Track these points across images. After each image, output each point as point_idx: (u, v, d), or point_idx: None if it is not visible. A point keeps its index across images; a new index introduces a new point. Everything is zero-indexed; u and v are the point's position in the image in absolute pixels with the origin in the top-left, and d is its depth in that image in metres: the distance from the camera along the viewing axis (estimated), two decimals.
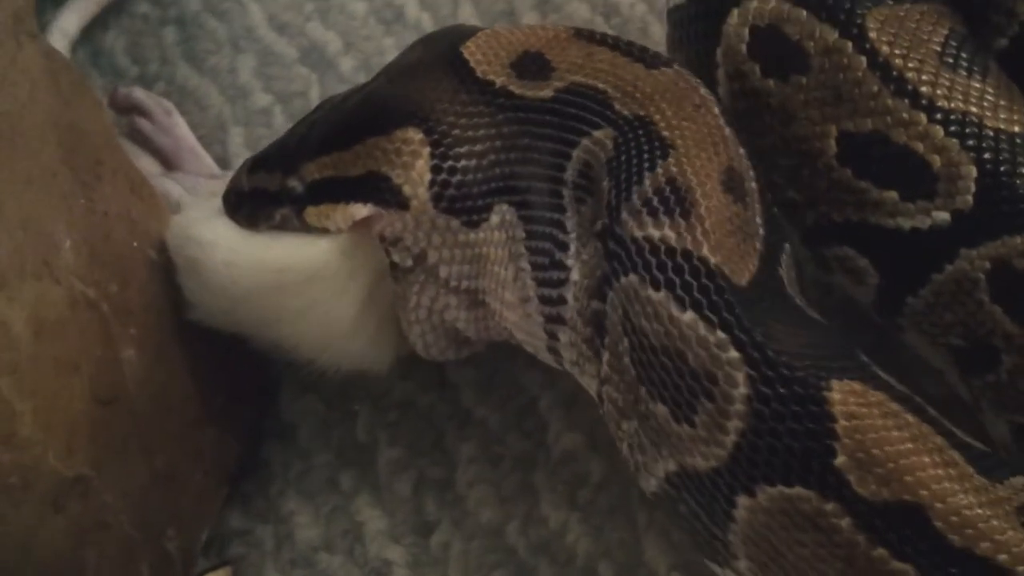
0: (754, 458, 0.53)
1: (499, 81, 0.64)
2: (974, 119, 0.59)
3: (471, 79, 0.65)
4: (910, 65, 0.60)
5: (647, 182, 0.58)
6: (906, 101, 0.60)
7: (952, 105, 0.59)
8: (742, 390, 0.53)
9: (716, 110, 0.62)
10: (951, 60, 0.60)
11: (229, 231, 0.72)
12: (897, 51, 0.60)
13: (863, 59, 0.60)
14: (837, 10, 0.61)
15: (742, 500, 0.54)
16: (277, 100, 0.92)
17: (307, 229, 0.69)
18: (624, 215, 0.58)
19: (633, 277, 0.57)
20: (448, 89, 0.65)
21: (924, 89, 0.59)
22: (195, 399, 0.74)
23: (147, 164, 0.85)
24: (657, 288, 0.56)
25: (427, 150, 0.64)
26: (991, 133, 0.59)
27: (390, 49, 0.93)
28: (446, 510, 0.75)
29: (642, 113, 0.61)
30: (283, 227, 0.70)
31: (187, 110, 0.92)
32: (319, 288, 0.69)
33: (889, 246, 0.62)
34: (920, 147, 0.59)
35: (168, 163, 0.87)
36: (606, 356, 0.59)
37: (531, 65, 0.65)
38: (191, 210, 0.76)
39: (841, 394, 0.52)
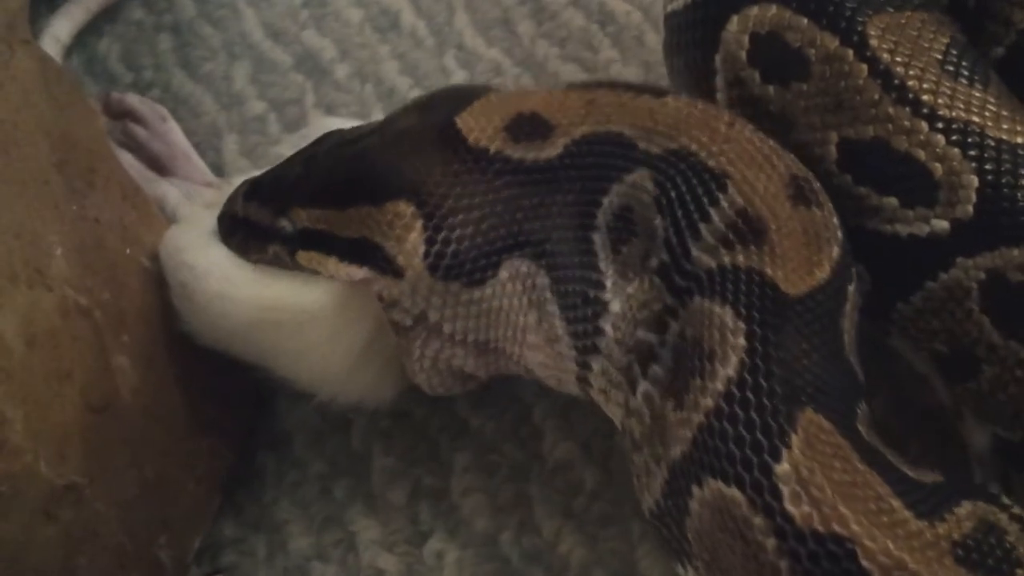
0: (709, 447, 0.53)
1: (493, 147, 0.63)
2: (976, 129, 0.59)
3: (464, 148, 0.64)
4: (911, 73, 0.60)
5: (715, 217, 0.59)
6: (907, 109, 0.60)
7: (954, 114, 0.59)
8: (728, 372, 0.54)
9: (744, 123, 0.62)
10: (952, 69, 0.60)
11: (224, 260, 0.71)
12: (898, 59, 0.60)
13: (864, 67, 0.60)
14: (838, 18, 0.61)
15: (696, 491, 0.54)
16: (272, 107, 0.92)
17: (300, 268, 0.69)
18: (695, 252, 0.58)
19: (698, 298, 0.57)
20: (440, 161, 0.64)
21: (926, 97, 0.59)
22: (188, 407, 0.74)
23: (139, 170, 0.85)
24: (712, 299, 0.57)
25: (419, 223, 0.63)
26: (993, 143, 0.59)
27: (385, 57, 0.93)
28: (440, 519, 0.74)
29: (674, 147, 0.61)
30: (276, 263, 0.70)
31: (182, 117, 0.92)
32: (316, 332, 0.69)
33: (885, 252, 0.62)
34: (922, 155, 0.59)
35: (162, 169, 0.87)
36: (643, 387, 0.59)
37: (526, 127, 0.64)
38: (185, 229, 0.75)
39: (807, 423, 0.52)
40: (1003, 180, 0.58)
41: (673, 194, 0.60)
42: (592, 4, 0.92)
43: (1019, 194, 0.58)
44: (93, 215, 0.72)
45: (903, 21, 0.61)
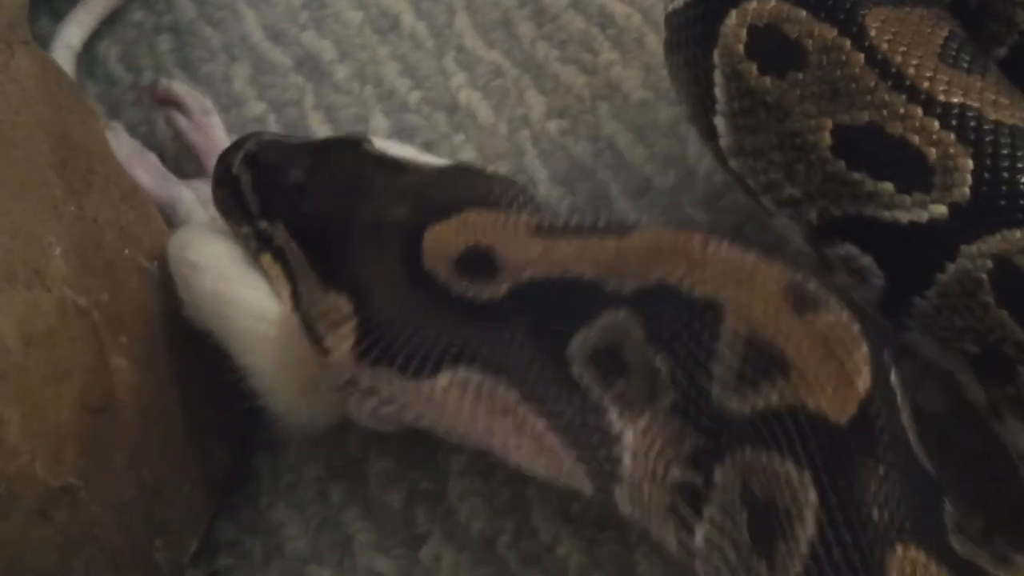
0: None
1: (442, 276, 0.63)
2: (972, 112, 0.59)
3: (417, 268, 0.64)
4: (909, 61, 0.60)
5: (723, 351, 0.56)
6: (903, 95, 0.59)
7: (950, 99, 0.59)
8: (810, 531, 0.52)
9: (719, 240, 0.60)
10: (950, 58, 0.60)
11: (221, 257, 0.71)
12: (896, 48, 0.60)
13: (861, 55, 0.60)
14: (837, 10, 0.61)
15: None
16: (271, 109, 0.92)
17: (256, 263, 0.70)
18: (716, 392, 0.56)
19: (750, 450, 0.55)
20: (394, 273, 0.64)
21: (922, 84, 0.59)
22: (185, 409, 0.74)
23: (159, 170, 0.85)
24: (768, 450, 0.54)
25: (354, 322, 0.64)
26: (989, 126, 0.58)
27: (385, 58, 0.93)
28: (437, 522, 0.74)
29: (649, 284, 0.59)
30: (243, 242, 0.70)
31: None
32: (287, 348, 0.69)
33: (889, 242, 0.62)
34: (916, 139, 0.59)
35: (197, 162, 0.87)
36: (704, 529, 0.58)
37: (475, 262, 0.63)
38: (192, 226, 0.75)
39: (900, 563, 0.51)
40: (999, 162, 0.58)
41: (666, 334, 0.58)
42: (592, 6, 0.92)
43: (1016, 176, 0.58)
44: (92, 216, 0.72)
45: (902, 15, 0.62)
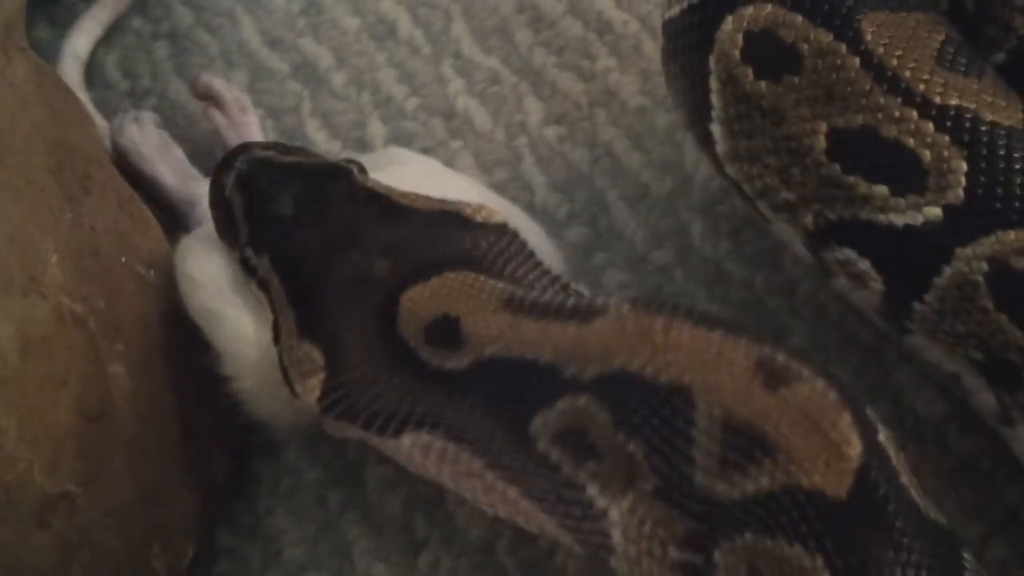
0: None
1: (412, 342, 0.63)
2: (966, 114, 0.59)
3: (389, 332, 0.64)
4: (905, 64, 0.60)
5: (700, 437, 0.56)
6: (898, 98, 0.59)
7: (946, 101, 0.59)
8: None
9: (682, 322, 0.59)
10: (948, 62, 0.60)
11: (219, 273, 0.71)
12: (892, 52, 0.60)
13: (857, 59, 0.60)
14: (833, 15, 0.61)
15: None
16: (269, 115, 0.92)
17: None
18: (699, 477, 0.56)
19: (750, 536, 0.55)
20: (370, 333, 0.64)
21: (918, 87, 0.59)
22: (182, 415, 0.74)
23: (184, 165, 0.85)
24: (773, 535, 0.54)
25: (322, 375, 0.65)
26: (983, 128, 0.58)
27: (382, 65, 0.93)
28: (436, 528, 0.74)
29: (614, 370, 0.58)
30: (236, 266, 0.71)
31: (178, 124, 0.92)
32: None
33: (886, 245, 0.62)
34: (911, 142, 0.59)
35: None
36: None
37: (442, 331, 0.63)
38: (198, 236, 0.75)
39: None
40: (993, 164, 0.58)
41: (635, 420, 0.57)
42: (590, 13, 0.92)
43: (1010, 177, 0.57)
44: (88, 223, 0.72)
45: (898, 20, 0.62)
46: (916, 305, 0.62)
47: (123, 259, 0.73)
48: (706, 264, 0.80)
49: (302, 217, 0.69)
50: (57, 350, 0.67)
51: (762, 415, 0.55)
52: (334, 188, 0.70)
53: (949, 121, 0.59)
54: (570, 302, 0.62)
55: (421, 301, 0.64)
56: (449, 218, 0.69)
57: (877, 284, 0.63)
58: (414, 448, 0.63)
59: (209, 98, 0.89)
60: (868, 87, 0.60)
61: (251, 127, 0.89)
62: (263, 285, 0.69)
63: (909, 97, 0.59)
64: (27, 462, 0.64)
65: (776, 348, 0.58)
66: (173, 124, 0.92)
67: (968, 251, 0.58)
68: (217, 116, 0.89)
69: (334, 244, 0.68)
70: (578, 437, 0.59)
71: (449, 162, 0.88)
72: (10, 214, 0.67)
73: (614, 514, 0.59)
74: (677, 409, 0.56)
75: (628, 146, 0.86)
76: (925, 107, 0.59)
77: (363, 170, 0.72)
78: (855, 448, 0.54)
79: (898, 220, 0.60)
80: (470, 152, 0.88)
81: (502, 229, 0.69)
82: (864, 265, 0.63)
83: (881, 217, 0.61)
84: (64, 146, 0.73)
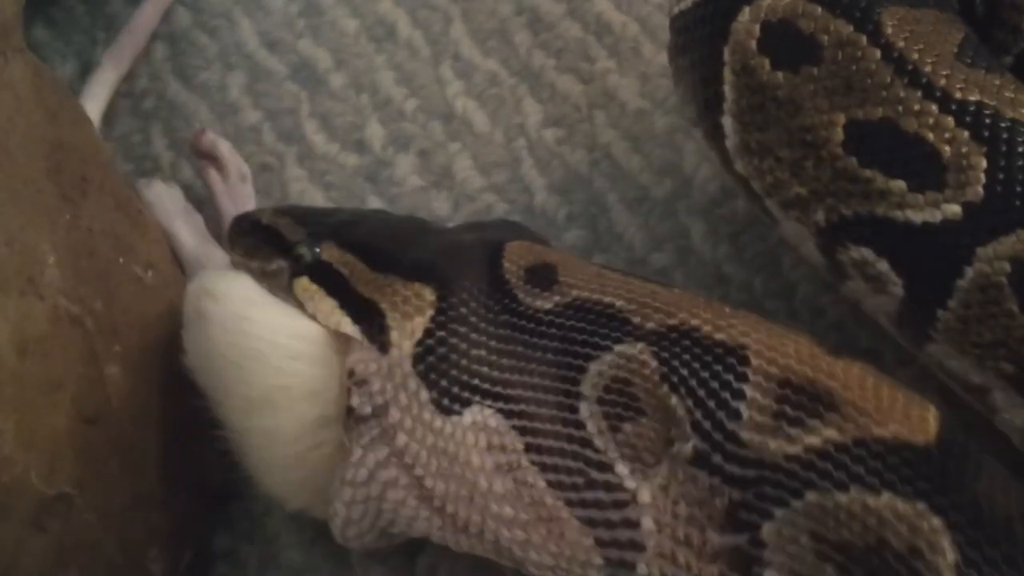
0: None
1: (512, 281, 0.65)
2: (987, 110, 0.58)
3: (495, 273, 0.65)
4: (925, 59, 0.59)
5: (754, 394, 0.55)
6: (919, 92, 0.59)
7: (965, 96, 0.58)
8: (950, 557, 0.50)
9: (748, 311, 0.60)
10: (968, 59, 0.60)
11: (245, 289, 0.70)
12: (913, 46, 0.59)
13: (877, 51, 0.60)
14: (853, 7, 0.61)
15: None
16: (267, 117, 0.92)
17: (288, 295, 0.68)
18: (747, 436, 0.54)
19: (812, 496, 0.52)
20: (477, 275, 0.65)
21: (939, 81, 0.58)
22: (180, 418, 0.73)
23: (194, 229, 0.84)
24: (845, 490, 0.52)
25: (430, 313, 0.64)
26: (1004, 124, 0.57)
27: (381, 67, 0.93)
28: None
29: (674, 323, 0.59)
30: (271, 279, 0.69)
31: (176, 126, 0.92)
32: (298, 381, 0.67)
33: (902, 244, 0.60)
34: (930, 136, 0.58)
35: (220, 226, 0.85)
36: None
37: (540, 273, 0.65)
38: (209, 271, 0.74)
39: None
40: (1014, 161, 0.57)
41: (685, 372, 0.57)
42: (589, 15, 0.92)
43: None
44: (86, 224, 0.71)
45: (918, 15, 0.61)
46: (940, 312, 0.60)
47: (121, 260, 0.72)
48: (705, 267, 0.80)
49: (366, 219, 0.72)
50: (54, 351, 0.66)
51: (827, 374, 0.54)
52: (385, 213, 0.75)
53: (969, 116, 0.58)
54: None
55: (522, 251, 0.67)
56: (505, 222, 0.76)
57: (897, 288, 0.62)
58: (470, 430, 0.62)
59: (209, 158, 0.87)
60: (888, 79, 0.59)
61: (246, 198, 0.87)
62: (321, 272, 0.67)
63: (930, 91, 0.58)
64: (24, 465, 0.63)
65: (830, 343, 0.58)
66: (171, 126, 0.92)
67: (989, 251, 0.57)
68: (215, 179, 0.87)
69: (412, 232, 0.71)
70: (623, 390, 0.59)
71: (447, 165, 0.88)
72: (7, 215, 0.66)
73: (644, 495, 0.58)
74: (730, 365, 0.56)
75: (627, 148, 0.86)
76: (946, 101, 0.58)
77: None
78: (932, 406, 0.54)
79: (916, 217, 0.59)
80: (469, 154, 0.88)
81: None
82: (883, 267, 0.62)
83: (898, 214, 0.60)
84: (62, 148, 0.72)
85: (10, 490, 0.63)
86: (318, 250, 0.68)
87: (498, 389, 0.62)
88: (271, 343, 0.66)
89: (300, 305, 0.67)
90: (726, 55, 0.65)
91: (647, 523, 0.58)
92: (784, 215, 0.65)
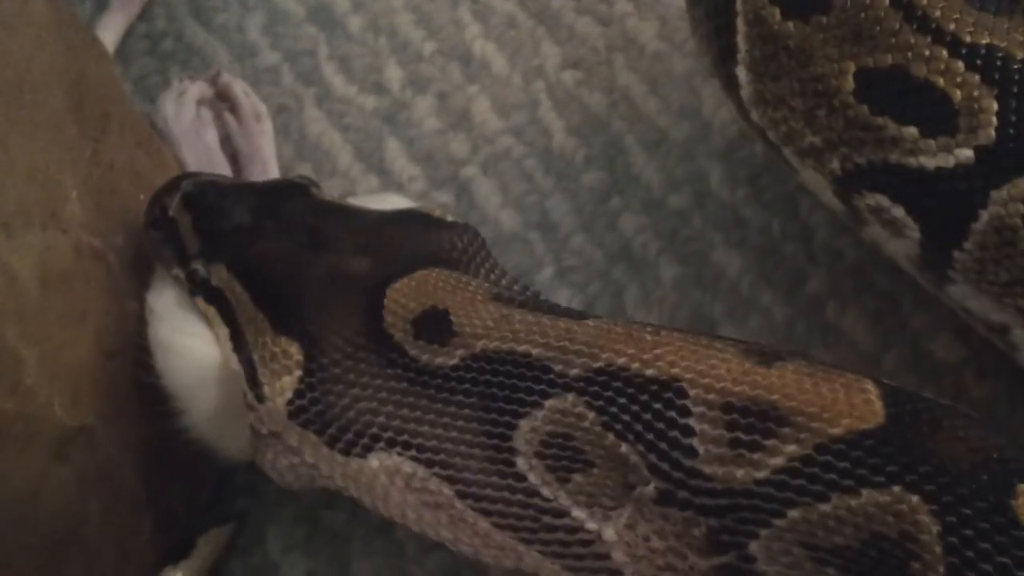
0: None
1: (397, 336, 0.61)
2: (997, 52, 0.57)
3: (375, 325, 0.62)
4: (934, 3, 0.59)
5: (701, 425, 0.53)
6: (928, 37, 0.58)
7: (975, 40, 0.58)
8: (934, 529, 0.50)
9: (669, 329, 0.58)
10: (978, 3, 0.59)
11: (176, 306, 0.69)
12: None
13: None
14: None
15: None
16: (285, 58, 0.92)
17: (190, 302, 0.68)
18: (709, 470, 0.53)
19: (795, 512, 0.52)
20: (351, 326, 0.62)
21: (948, 25, 0.58)
22: None
23: (200, 160, 0.84)
24: (826, 500, 0.51)
25: (298, 373, 0.62)
26: (1016, 66, 0.57)
27: (399, 9, 0.92)
28: None
29: (599, 365, 0.56)
30: (179, 285, 0.69)
31: (194, 67, 0.92)
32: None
33: (917, 190, 0.60)
34: (941, 81, 0.58)
35: (238, 167, 0.85)
36: None
37: (431, 324, 0.60)
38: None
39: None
40: None
41: (626, 417, 0.55)
42: None
43: None
44: (107, 160, 0.72)
45: None
46: (956, 254, 0.61)
47: (141, 196, 0.73)
48: (723, 209, 0.80)
49: (261, 226, 0.68)
50: (77, 285, 0.67)
51: (764, 388, 0.53)
52: (292, 200, 0.70)
53: (980, 60, 0.57)
54: (559, 306, 0.61)
55: (408, 293, 0.62)
56: (418, 218, 0.68)
57: (914, 232, 0.62)
58: (380, 472, 0.60)
59: (225, 100, 0.87)
60: (897, 26, 0.59)
61: (262, 136, 0.86)
62: (214, 295, 0.67)
63: (939, 36, 0.58)
64: (47, 396, 0.64)
65: (757, 342, 0.57)
66: (190, 66, 0.93)
67: (1003, 193, 0.57)
68: (230, 121, 0.87)
69: (302, 248, 0.66)
70: (564, 444, 0.56)
71: (466, 107, 0.87)
72: (30, 150, 0.66)
73: (609, 535, 0.56)
74: (669, 401, 0.54)
75: (646, 91, 0.85)
76: (955, 46, 0.58)
77: (317, 185, 0.72)
78: (869, 382, 0.54)
79: (929, 163, 0.59)
80: (487, 97, 0.88)
81: (472, 231, 0.68)
82: (898, 212, 0.62)
83: (911, 160, 0.59)
84: (82, 84, 0.72)
85: (34, 420, 0.63)
86: (209, 272, 0.67)
87: (405, 438, 0.59)
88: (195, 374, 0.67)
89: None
90: (738, 4, 0.64)
91: (619, 556, 0.57)
92: (801, 164, 0.65)
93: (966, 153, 0.58)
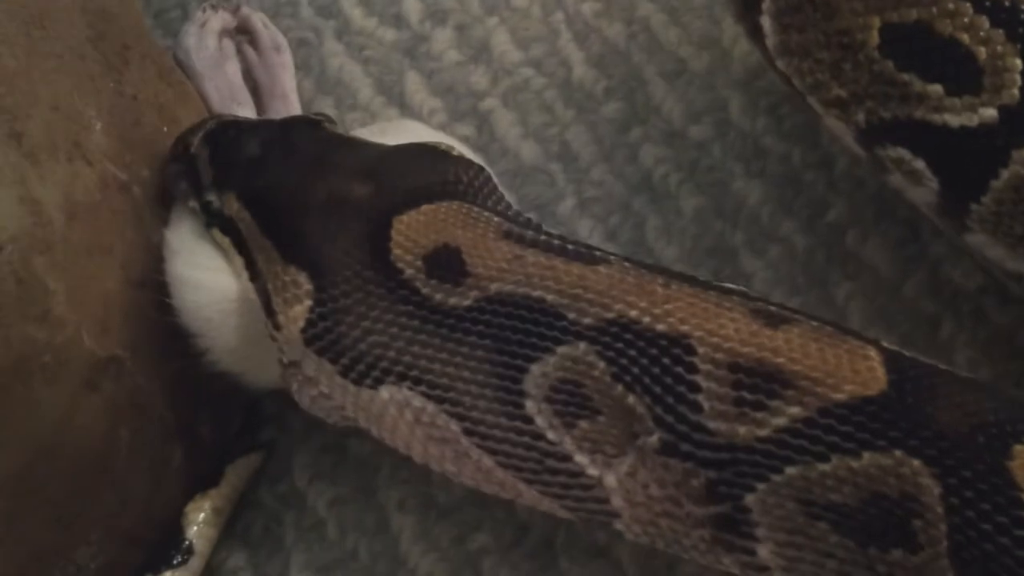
0: (965, 556, 0.50)
1: (407, 272, 0.60)
2: (1022, 6, 0.57)
3: (382, 259, 0.61)
4: None
5: (708, 384, 0.54)
6: None
7: None
8: (936, 491, 0.51)
9: (681, 281, 0.58)
10: None
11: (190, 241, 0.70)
12: None
13: None
14: None
15: None
16: None
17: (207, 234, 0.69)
18: (713, 425, 0.54)
19: (793, 470, 0.53)
20: (358, 258, 0.62)
21: None
22: None
23: (223, 92, 0.84)
24: (826, 460, 0.52)
25: (308, 303, 0.62)
26: None
27: None
28: None
29: (612, 316, 0.56)
30: (197, 217, 0.70)
31: (213, 1, 0.91)
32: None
33: (940, 146, 0.60)
34: (966, 38, 0.57)
35: (258, 99, 0.85)
36: (768, 548, 0.55)
37: (443, 264, 0.60)
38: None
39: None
40: None
41: (636, 370, 0.55)
42: None
43: None
44: (131, 92, 0.72)
45: None
46: (973, 206, 0.61)
47: (165, 129, 0.73)
48: (744, 139, 0.80)
49: (271, 156, 0.68)
50: (103, 216, 0.67)
51: (772, 351, 0.54)
52: (302, 132, 0.70)
53: (1004, 14, 0.57)
54: (571, 245, 0.61)
55: (417, 228, 0.62)
56: (425, 150, 0.68)
57: (932, 183, 0.62)
58: (390, 404, 0.60)
59: (245, 32, 0.87)
60: None
61: (282, 68, 0.86)
62: (228, 225, 0.67)
63: None
64: (76, 325, 0.65)
65: (767, 302, 0.58)
66: (206, 2, 0.92)
67: None
68: (249, 53, 0.86)
69: (304, 175, 0.66)
70: (573, 391, 0.57)
71: (485, 39, 0.87)
72: (53, 81, 0.67)
73: (610, 481, 0.57)
74: (678, 357, 0.55)
75: (665, 21, 0.85)
76: (980, 1, 0.57)
77: (332, 122, 0.72)
78: (872, 348, 0.55)
79: (953, 121, 0.59)
80: (506, 28, 0.87)
81: (478, 166, 0.68)
82: (919, 164, 0.62)
83: (936, 117, 0.59)
84: (104, 16, 0.73)
85: (63, 350, 0.64)
86: (222, 202, 0.68)
87: (416, 374, 0.60)
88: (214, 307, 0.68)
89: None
90: None
91: (617, 501, 0.57)
92: (825, 112, 0.65)
93: (990, 112, 0.57)
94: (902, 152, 0.62)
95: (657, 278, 0.58)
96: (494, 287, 0.59)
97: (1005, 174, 0.58)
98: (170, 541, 0.73)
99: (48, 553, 0.67)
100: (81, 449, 0.67)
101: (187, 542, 0.73)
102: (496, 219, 0.63)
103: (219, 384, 0.71)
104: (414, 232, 0.62)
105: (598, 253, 0.61)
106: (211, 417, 0.74)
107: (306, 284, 0.62)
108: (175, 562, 0.72)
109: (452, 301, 0.59)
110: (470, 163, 0.68)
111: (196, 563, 0.73)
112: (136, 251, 0.69)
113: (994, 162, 0.58)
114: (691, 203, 0.79)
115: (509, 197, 0.70)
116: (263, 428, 0.77)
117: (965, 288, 0.72)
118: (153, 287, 0.70)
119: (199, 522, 0.73)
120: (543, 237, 0.62)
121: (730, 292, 0.58)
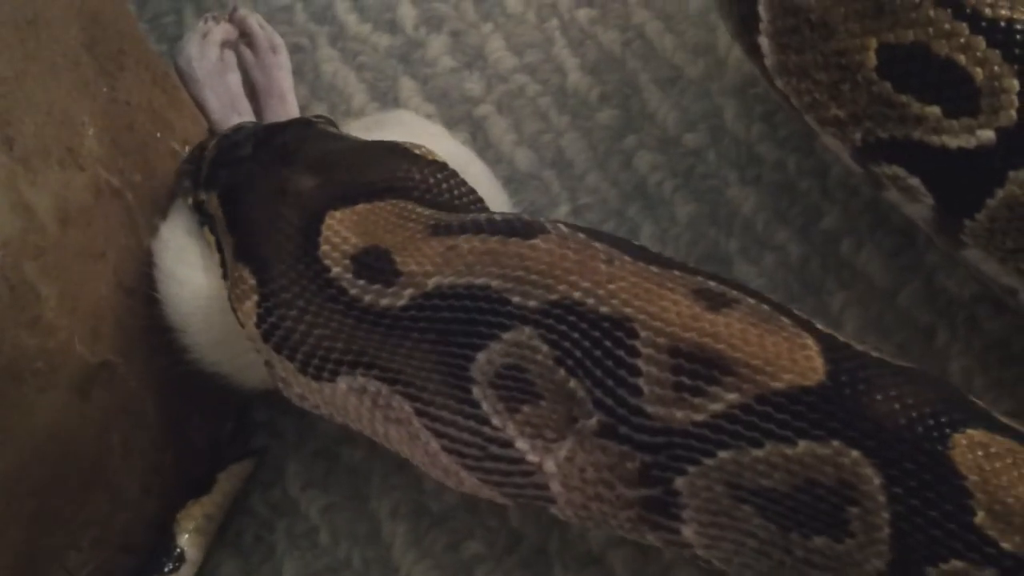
0: (908, 543, 0.51)
1: (335, 271, 0.60)
2: (1018, 26, 0.57)
3: (313, 253, 0.61)
4: None
5: (648, 368, 0.54)
6: (948, 11, 0.57)
7: (996, 13, 0.57)
8: (876, 481, 0.51)
9: (621, 253, 0.58)
10: None
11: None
12: None
13: None
14: None
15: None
16: None
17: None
18: (651, 409, 0.54)
19: (726, 454, 0.53)
20: (292, 252, 0.62)
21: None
22: None
23: (223, 100, 0.84)
24: (760, 446, 0.53)
25: (255, 298, 0.62)
26: None
27: None
28: None
29: (555, 298, 0.56)
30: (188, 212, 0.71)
31: (207, 8, 0.92)
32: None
33: (937, 166, 0.60)
34: (962, 59, 0.57)
35: (255, 101, 0.86)
36: (692, 529, 0.56)
37: (372, 264, 0.60)
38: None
39: (962, 448, 0.51)
40: None
41: (578, 353, 0.56)
42: None
43: None
44: (124, 97, 0.72)
45: None
46: (967, 222, 0.61)
47: (158, 135, 0.73)
48: (739, 146, 0.80)
49: (253, 155, 0.69)
50: (95, 222, 0.67)
51: (711, 336, 0.54)
52: (290, 132, 0.70)
53: (1001, 35, 0.57)
54: (502, 219, 0.61)
55: (349, 226, 0.62)
56: (386, 147, 0.68)
57: (928, 200, 0.62)
58: (349, 393, 0.61)
59: (241, 34, 0.87)
60: (918, 0, 0.58)
61: (278, 69, 0.86)
62: (211, 223, 0.68)
63: (959, 10, 0.57)
64: (67, 331, 0.64)
65: (707, 276, 0.58)
66: (202, 8, 0.92)
67: (1021, 174, 0.57)
68: (246, 54, 0.86)
69: (269, 169, 0.67)
70: (517, 376, 0.57)
71: (479, 46, 0.87)
72: (47, 86, 0.67)
73: (549, 466, 0.57)
74: (620, 340, 0.55)
75: (660, 28, 0.85)
76: (976, 20, 0.57)
77: (331, 123, 0.72)
78: (809, 336, 0.55)
79: (951, 143, 0.59)
80: (501, 35, 0.87)
81: (442, 166, 0.67)
82: (915, 182, 0.62)
83: (934, 139, 0.59)
84: (98, 21, 0.72)
85: (55, 356, 0.64)
86: (208, 201, 0.68)
87: (366, 359, 0.60)
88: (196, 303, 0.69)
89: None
90: None
91: (555, 486, 0.58)
92: (822, 130, 0.65)
93: (987, 134, 0.57)
94: (898, 170, 0.62)
95: (599, 253, 0.58)
96: (432, 282, 0.58)
97: (1000, 193, 0.58)
98: (161, 548, 0.72)
99: (38, 558, 0.67)
100: (72, 454, 0.67)
101: (179, 549, 0.72)
102: (427, 213, 0.62)
103: (210, 389, 0.71)
104: (345, 230, 0.62)
105: (537, 222, 0.60)
106: (203, 423, 0.74)
107: (250, 279, 0.63)
108: (166, 569, 0.72)
109: (384, 302, 0.59)
110: (430, 161, 0.67)
111: (188, 570, 0.73)
112: (129, 257, 0.69)
113: (990, 182, 0.58)
114: (685, 210, 0.79)
115: (505, 201, 0.70)
116: (255, 435, 0.77)
117: (960, 297, 0.72)
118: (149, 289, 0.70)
119: (191, 529, 0.73)
120: (470, 219, 0.61)
121: (671, 266, 0.58)
